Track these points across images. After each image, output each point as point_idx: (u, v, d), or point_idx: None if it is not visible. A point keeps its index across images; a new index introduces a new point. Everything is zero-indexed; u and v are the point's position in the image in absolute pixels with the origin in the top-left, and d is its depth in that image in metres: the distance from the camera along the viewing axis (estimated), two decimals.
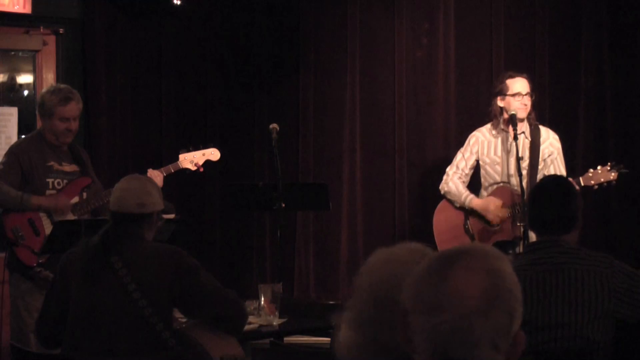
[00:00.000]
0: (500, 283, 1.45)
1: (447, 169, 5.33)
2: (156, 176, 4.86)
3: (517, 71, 5.22)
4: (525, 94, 5.05)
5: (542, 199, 3.26)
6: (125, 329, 3.23)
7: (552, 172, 5.07)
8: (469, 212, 5.19)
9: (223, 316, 3.36)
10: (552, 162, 5.12)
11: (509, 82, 5.10)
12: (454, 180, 5.26)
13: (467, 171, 5.29)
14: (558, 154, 5.15)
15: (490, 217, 5.09)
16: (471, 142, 5.28)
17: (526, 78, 5.12)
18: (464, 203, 5.19)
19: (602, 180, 4.85)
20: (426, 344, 1.44)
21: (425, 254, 1.84)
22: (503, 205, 5.06)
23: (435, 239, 5.25)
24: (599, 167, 4.90)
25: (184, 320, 3.58)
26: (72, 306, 3.32)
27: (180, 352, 3.26)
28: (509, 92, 5.07)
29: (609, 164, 4.93)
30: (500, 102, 5.12)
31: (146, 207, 3.39)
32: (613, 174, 4.88)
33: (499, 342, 1.43)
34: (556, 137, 5.19)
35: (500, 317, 1.43)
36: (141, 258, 3.30)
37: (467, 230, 5.21)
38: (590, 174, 4.89)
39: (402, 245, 1.86)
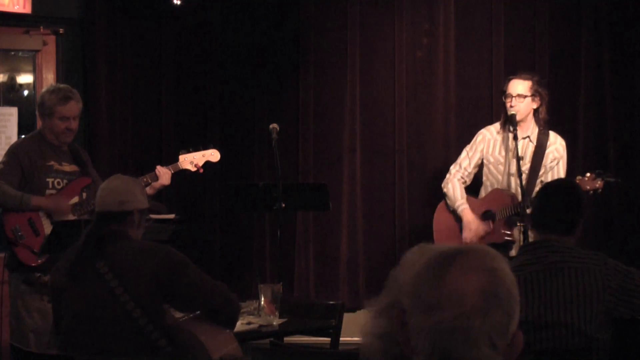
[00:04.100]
0: (499, 282, 1.46)
1: (451, 167, 5.36)
2: (164, 173, 4.90)
3: (520, 73, 5.22)
4: (516, 96, 5.05)
5: (546, 198, 3.29)
6: (115, 332, 3.24)
7: (549, 179, 5.07)
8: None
9: (215, 309, 3.36)
10: (551, 169, 5.12)
11: (508, 83, 5.15)
12: (453, 182, 5.28)
13: (469, 170, 5.30)
14: (561, 160, 5.14)
15: (465, 234, 5.14)
16: (477, 140, 5.30)
17: (526, 79, 5.10)
18: (456, 210, 5.23)
19: (588, 187, 4.85)
20: (425, 343, 1.44)
21: None
22: (493, 215, 5.08)
23: (434, 237, 5.28)
24: (587, 175, 4.90)
25: (181, 315, 3.58)
26: (63, 307, 3.34)
27: (171, 353, 3.25)
28: (505, 93, 5.12)
29: (595, 171, 4.93)
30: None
31: (127, 205, 3.41)
32: (599, 182, 4.88)
33: (497, 342, 1.43)
34: (563, 143, 5.18)
35: (499, 316, 1.44)
36: (126, 258, 3.30)
37: (461, 231, 5.23)
38: (578, 181, 4.89)
39: (444, 245, 1.85)
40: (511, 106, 5.05)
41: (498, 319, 1.44)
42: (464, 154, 5.34)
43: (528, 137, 5.12)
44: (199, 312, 3.43)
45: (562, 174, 5.13)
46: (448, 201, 5.29)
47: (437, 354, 1.43)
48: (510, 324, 1.46)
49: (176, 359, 3.26)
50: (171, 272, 3.28)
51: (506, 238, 5.04)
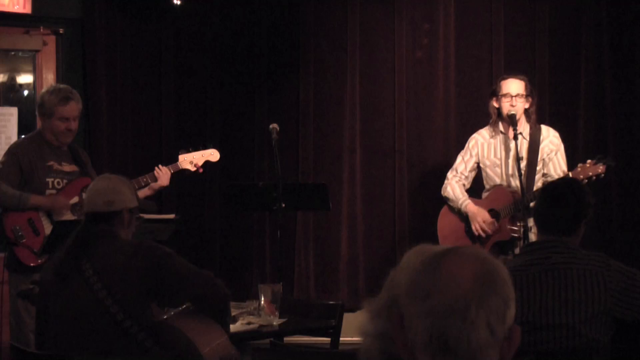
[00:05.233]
0: (493, 270, 1.49)
1: (448, 173, 5.36)
2: (164, 174, 4.91)
3: (514, 73, 5.23)
4: (515, 95, 5.06)
5: (548, 198, 3.28)
6: (99, 334, 3.22)
7: (552, 170, 5.09)
8: (466, 215, 5.22)
9: (203, 296, 3.32)
10: (550, 160, 5.12)
11: (502, 83, 5.14)
12: (452, 185, 5.28)
13: (466, 174, 5.30)
14: (558, 151, 5.14)
15: (475, 226, 5.12)
16: (470, 145, 5.30)
17: (522, 80, 5.12)
18: (460, 208, 5.22)
19: (590, 174, 4.87)
20: (423, 328, 1.45)
21: None
22: (497, 213, 5.08)
23: (440, 243, 5.26)
24: (587, 161, 4.93)
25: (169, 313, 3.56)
26: (49, 307, 3.34)
27: (158, 352, 3.24)
28: (500, 93, 5.10)
29: (596, 157, 4.95)
30: (494, 104, 5.17)
31: (114, 205, 3.38)
32: (600, 167, 4.90)
33: (495, 326, 1.44)
34: (556, 134, 5.19)
35: (495, 300, 1.45)
36: (111, 259, 3.28)
37: (467, 233, 5.22)
38: (579, 169, 4.92)
39: (443, 246, 1.86)
40: (512, 105, 5.06)
41: (495, 303, 1.45)
42: (459, 159, 5.35)
43: (520, 133, 5.13)
44: (186, 306, 3.41)
45: (563, 164, 5.13)
46: (450, 203, 5.28)
47: (435, 341, 1.44)
48: (507, 311, 1.47)
49: (163, 357, 3.25)
50: (156, 266, 3.25)
51: (512, 235, 5.04)
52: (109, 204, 3.38)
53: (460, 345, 1.43)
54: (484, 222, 5.11)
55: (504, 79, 5.17)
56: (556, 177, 5.01)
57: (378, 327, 1.79)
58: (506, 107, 5.07)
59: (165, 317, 3.41)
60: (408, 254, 1.85)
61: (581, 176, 4.85)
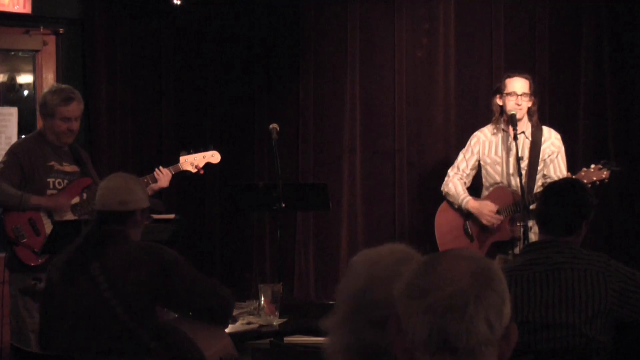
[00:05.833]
0: (488, 268, 1.51)
1: (449, 170, 5.35)
2: (165, 175, 4.90)
3: (519, 71, 5.22)
4: (521, 94, 5.05)
5: (549, 198, 3.29)
6: (104, 334, 3.22)
7: (552, 172, 5.09)
8: (467, 213, 5.21)
9: (208, 307, 3.32)
10: (551, 161, 5.12)
11: (507, 81, 5.12)
12: (453, 181, 5.28)
13: (467, 171, 5.30)
14: (559, 153, 5.15)
15: (483, 221, 5.11)
16: (472, 142, 5.29)
17: (527, 79, 5.11)
18: (461, 204, 5.20)
19: (594, 178, 4.87)
20: (422, 326, 1.46)
21: (408, 255, 1.86)
22: (498, 211, 5.07)
23: (437, 240, 5.26)
24: (592, 166, 4.92)
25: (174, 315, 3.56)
26: (55, 305, 3.34)
27: (162, 354, 3.24)
28: (505, 91, 5.09)
29: (601, 162, 4.94)
30: (498, 101, 5.16)
31: (128, 205, 3.37)
32: (605, 172, 4.89)
33: (493, 321, 1.45)
34: (558, 136, 5.19)
35: (492, 296, 1.47)
36: (120, 261, 3.26)
37: (466, 231, 5.22)
38: (583, 173, 4.91)
39: (385, 246, 1.88)
40: (517, 104, 5.04)
41: (492, 299, 1.47)
42: (460, 156, 5.34)
43: (523, 132, 5.13)
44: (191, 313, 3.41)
45: (563, 167, 5.13)
46: (451, 199, 5.27)
47: (435, 338, 1.45)
48: (504, 307, 1.49)
49: (167, 359, 3.24)
50: (162, 272, 3.24)
51: (512, 235, 5.03)
52: (123, 204, 3.37)
53: (460, 341, 1.44)
54: (491, 211, 5.08)
55: (510, 77, 5.14)
56: (556, 179, 5.00)
57: (340, 340, 1.79)
58: (511, 105, 5.05)
59: (169, 318, 3.42)
60: (353, 262, 1.87)
61: (585, 180, 4.84)
